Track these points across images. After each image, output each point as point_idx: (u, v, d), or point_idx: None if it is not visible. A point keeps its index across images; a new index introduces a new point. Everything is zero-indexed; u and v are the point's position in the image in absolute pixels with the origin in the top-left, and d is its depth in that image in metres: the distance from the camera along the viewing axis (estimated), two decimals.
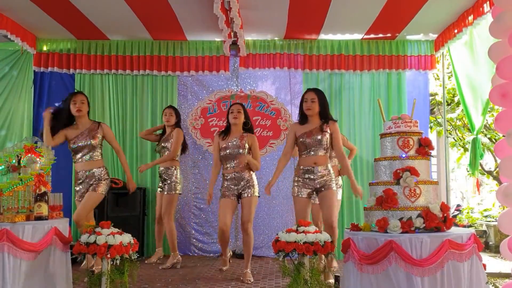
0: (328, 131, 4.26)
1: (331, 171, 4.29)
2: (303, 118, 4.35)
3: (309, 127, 4.28)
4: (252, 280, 4.53)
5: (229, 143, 4.69)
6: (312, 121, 4.31)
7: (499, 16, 3.10)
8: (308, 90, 4.40)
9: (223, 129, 4.90)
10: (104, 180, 4.55)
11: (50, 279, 3.33)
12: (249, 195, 4.63)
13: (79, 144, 4.50)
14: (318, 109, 4.28)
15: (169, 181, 5.34)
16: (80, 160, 4.54)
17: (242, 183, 4.65)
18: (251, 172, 4.72)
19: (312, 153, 4.24)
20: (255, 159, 4.73)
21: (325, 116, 4.31)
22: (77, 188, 4.56)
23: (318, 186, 4.24)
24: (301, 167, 4.29)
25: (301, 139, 4.29)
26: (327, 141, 4.25)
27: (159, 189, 5.47)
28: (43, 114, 4.65)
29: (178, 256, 5.37)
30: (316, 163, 4.23)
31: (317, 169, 4.22)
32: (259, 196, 4.77)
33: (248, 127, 4.82)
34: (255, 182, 4.71)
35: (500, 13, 3.12)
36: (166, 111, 5.52)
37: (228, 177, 4.68)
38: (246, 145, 4.70)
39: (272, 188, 6.13)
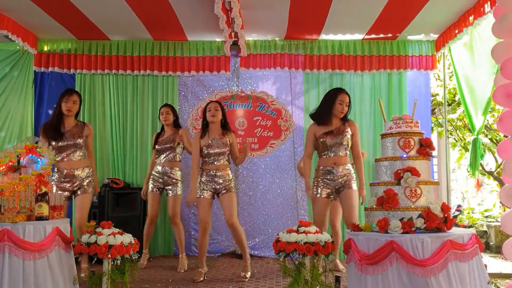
0: (349, 131, 4.29)
1: (352, 171, 4.30)
2: (327, 119, 4.34)
3: (330, 128, 4.30)
4: (248, 277, 4.57)
5: (211, 141, 4.62)
6: (333, 122, 4.33)
7: (503, 16, 3.09)
8: (342, 91, 4.38)
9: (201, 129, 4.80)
10: (91, 180, 4.57)
11: (53, 279, 3.33)
12: (228, 191, 4.57)
13: (63, 143, 4.46)
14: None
15: (174, 182, 5.30)
16: (65, 159, 4.48)
17: (220, 181, 4.58)
18: (229, 171, 4.69)
19: (333, 153, 4.27)
20: (235, 155, 4.73)
21: (345, 117, 4.37)
22: (56, 188, 4.46)
23: (337, 186, 4.25)
24: (321, 167, 4.31)
25: (321, 139, 4.30)
26: (348, 141, 4.27)
27: (155, 189, 5.34)
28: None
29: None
30: (335, 163, 4.25)
31: (337, 169, 4.24)
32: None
33: (226, 126, 4.76)
34: (232, 179, 4.67)
35: (503, 13, 3.11)
36: (162, 110, 5.44)
37: (209, 173, 4.60)
38: (228, 143, 4.65)
39: (272, 188, 6.24)
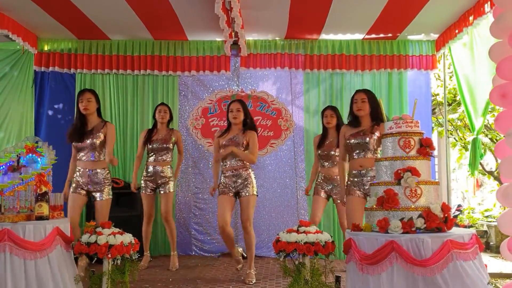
0: (377, 133, 4.09)
1: None
2: (355, 120, 4.21)
3: (359, 129, 4.15)
4: (254, 281, 4.51)
5: (226, 142, 4.63)
6: (363, 123, 4.17)
7: (500, 16, 3.10)
8: (358, 91, 4.27)
9: (224, 128, 4.84)
10: (107, 183, 4.54)
11: (53, 279, 3.33)
12: (248, 194, 4.57)
13: (82, 143, 4.45)
14: (369, 109, 4.14)
15: (165, 181, 5.26)
16: (83, 158, 4.49)
17: (240, 180, 4.58)
18: (250, 170, 4.66)
19: (359, 155, 4.11)
20: (251, 153, 4.62)
21: (376, 117, 4.14)
22: (74, 185, 4.49)
23: (367, 192, 4.08)
24: (351, 170, 4.19)
25: (347, 141, 4.17)
26: (374, 143, 4.08)
27: (149, 190, 5.29)
28: None
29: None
30: (362, 166, 4.10)
31: (365, 172, 4.09)
32: (257, 195, 4.71)
33: (248, 124, 4.71)
34: (254, 181, 4.65)
35: (500, 13, 3.11)
36: (160, 108, 5.38)
37: (226, 174, 4.63)
38: (245, 142, 4.62)
39: (272, 188, 6.24)
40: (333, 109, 5.12)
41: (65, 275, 3.43)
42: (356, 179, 4.14)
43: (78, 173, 4.53)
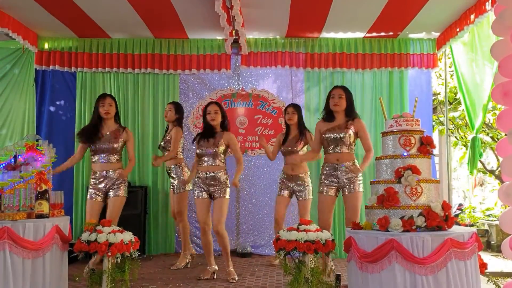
0: (353, 128, 4.28)
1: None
2: (329, 115, 4.37)
3: (334, 124, 4.32)
4: (236, 278, 4.50)
5: (203, 142, 4.57)
6: (337, 118, 4.34)
7: (501, 14, 3.09)
8: (336, 87, 4.45)
9: (201, 131, 4.73)
10: (123, 182, 4.57)
11: (47, 278, 3.33)
12: (220, 196, 4.48)
13: (100, 145, 4.52)
14: (345, 105, 4.31)
15: (177, 180, 5.21)
16: (100, 161, 4.54)
17: (213, 183, 4.49)
18: (225, 173, 4.57)
19: (335, 150, 4.26)
20: (236, 156, 4.60)
21: (350, 114, 4.33)
22: (92, 190, 4.54)
23: (342, 184, 4.26)
24: (326, 164, 4.35)
25: (323, 135, 4.33)
26: (350, 138, 4.25)
27: (171, 187, 5.36)
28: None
29: (189, 255, 5.34)
30: (338, 159, 4.26)
31: (340, 166, 4.25)
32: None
33: (224, 126, 4.67)
34: (228, 184, 4.54)
35: (502, 10, 3.10)
36: (166, 107, 5.39)
37: (201, 174, 4.55)
38: (223, 143, 4.54)
39: (273, 187, 6.22)
40: (295, 106, 5.22)
41: (56, 275, 3.44)
42: (331, 172, 4.29)
43: (94, 177, 4.56)
